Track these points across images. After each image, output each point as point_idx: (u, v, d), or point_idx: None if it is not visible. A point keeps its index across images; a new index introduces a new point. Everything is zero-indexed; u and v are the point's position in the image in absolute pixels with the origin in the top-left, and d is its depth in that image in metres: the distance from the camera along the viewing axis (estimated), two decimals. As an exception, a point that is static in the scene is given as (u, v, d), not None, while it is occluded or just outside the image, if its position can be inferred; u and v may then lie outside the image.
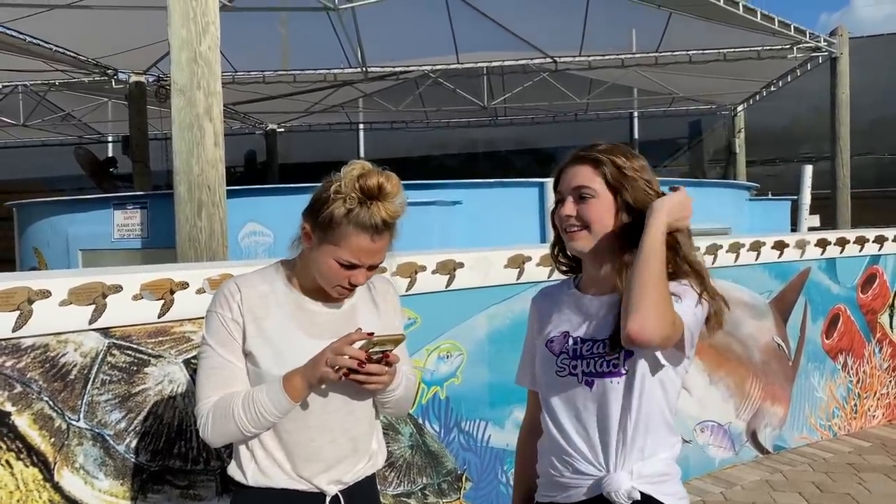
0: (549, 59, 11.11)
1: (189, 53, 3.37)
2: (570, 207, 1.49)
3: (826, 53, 9.81)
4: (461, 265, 2.97)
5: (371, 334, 1.47)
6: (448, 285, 2.94)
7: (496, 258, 3.09)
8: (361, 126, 16.32)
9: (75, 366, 2.13)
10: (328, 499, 1.60)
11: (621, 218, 1.48)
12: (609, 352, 1.47)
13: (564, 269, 1.65)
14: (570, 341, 1.53)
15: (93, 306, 2.14)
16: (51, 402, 2.09)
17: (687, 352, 1.45)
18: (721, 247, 3.97)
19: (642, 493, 1.44)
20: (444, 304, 2.95)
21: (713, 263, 3.91)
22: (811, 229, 7.40)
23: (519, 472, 1.80)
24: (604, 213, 1.48)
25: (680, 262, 1.48)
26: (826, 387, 4.53)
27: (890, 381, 4.85)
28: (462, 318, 3.02)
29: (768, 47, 10.03)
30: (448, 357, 2.98)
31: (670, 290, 1.40)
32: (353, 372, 1.48)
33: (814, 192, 7.87)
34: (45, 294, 2.06)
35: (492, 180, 6.18)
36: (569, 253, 1.60)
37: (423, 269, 2.85)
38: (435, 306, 2.91)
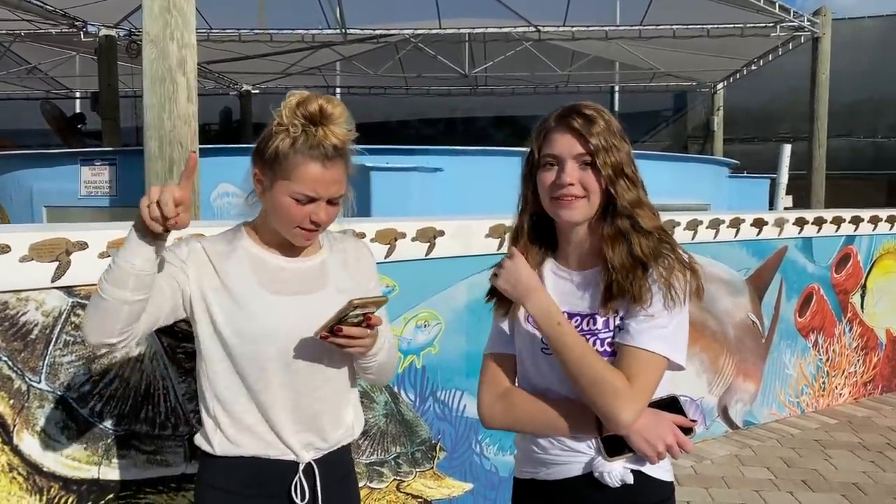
0: (532, 28, 10.98)
1: (162, 2, 3.21)
2: (573, 174, 1.39)
3: (808, 33, 9.81)
4: (442, 233, 2.89)
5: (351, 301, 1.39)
6: (428, 253, 2.87)
7: (477, 227, 3.02)
8: (339, 90, 16.05)
9: (36, 325, 2.03)
10: (301, 467, 1.53)
11: (608, 188, 1.40)
12: (598, 328, 1.41)
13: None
14: None
15: (56, 263, 2.03)
16: (10, 363, 1.99)
17: (683, 364, 1.40)
18: (701, 223, 3.95)
19: (633, 472, 1.39)
20: (424, 273, 2.88)
21: (692, 239, 3.89)
22: (786, 209, 7.46)
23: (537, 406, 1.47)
24: (601, 182, 1.40)
25: (637, 251, 1.38)
26: (796, 364, 4.58)
27: (858, 360, 4.93)
28: (441, 286, 2.96)
29: (752, 24, 10.01)
30: (426, 326, 2.92)
31: (646, 313, 1.36)
32: (332, 335, 1.41)
33: (789, 172, 7.91)
34: (5, 249, 1.95)
35: (474, 148, 6.10)
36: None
37: (403, 235, 2.78)
38: (414, 274, 2.84)
